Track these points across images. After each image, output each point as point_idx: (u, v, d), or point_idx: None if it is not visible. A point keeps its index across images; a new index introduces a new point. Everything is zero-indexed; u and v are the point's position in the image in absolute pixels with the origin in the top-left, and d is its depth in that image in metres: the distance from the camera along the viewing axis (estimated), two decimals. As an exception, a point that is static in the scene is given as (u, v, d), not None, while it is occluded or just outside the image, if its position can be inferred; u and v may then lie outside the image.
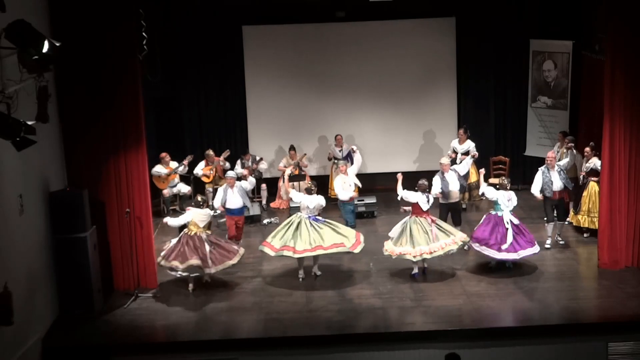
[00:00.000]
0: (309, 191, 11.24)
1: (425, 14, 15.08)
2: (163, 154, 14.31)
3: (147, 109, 11.33)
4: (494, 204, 11.17)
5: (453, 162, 14.03)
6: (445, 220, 11.62)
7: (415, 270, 10.98)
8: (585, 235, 12.44)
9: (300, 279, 11.08)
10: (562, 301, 10.12)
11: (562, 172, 12.02)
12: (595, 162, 12.07)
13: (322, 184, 13.11)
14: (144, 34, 11.30)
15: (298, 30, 15.15)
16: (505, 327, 9.55)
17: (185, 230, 10.89)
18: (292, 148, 14.82)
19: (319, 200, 11.19)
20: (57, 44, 7.11)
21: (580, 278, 11.06)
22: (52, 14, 10.01)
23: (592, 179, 12.20)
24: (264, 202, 14.89)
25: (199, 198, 11.16)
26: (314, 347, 9.40)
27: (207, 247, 10.67)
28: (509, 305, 10.11)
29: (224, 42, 15.01)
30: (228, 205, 12.03)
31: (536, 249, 11.01)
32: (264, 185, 14.81)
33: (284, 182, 14.08)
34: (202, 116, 15.38)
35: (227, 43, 15.03)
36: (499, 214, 11.00)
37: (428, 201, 10.91)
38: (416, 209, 10.93)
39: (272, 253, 10.94)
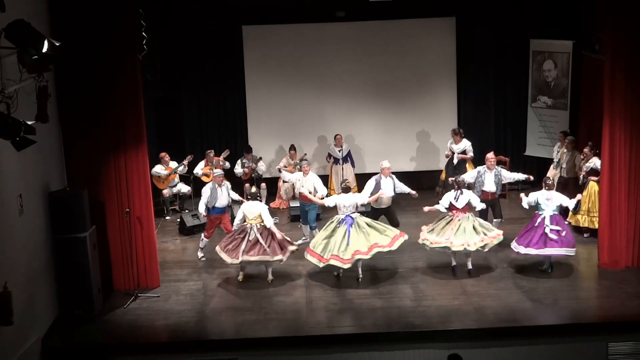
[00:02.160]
0: (345, 190, 11.24)
1: (425, 14, 15.09)
2: (162, 154, 14.33)
3: (147, 108, 11.32)
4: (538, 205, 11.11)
5: (450, 160, 14.10)
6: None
7: (453, 263, 11.19)
8: (585, 235, 12.43)
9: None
10: (562, 301, 10.12)
11: (499, 175, 12.06)
12: (595, 162, 12.07)
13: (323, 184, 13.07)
14: (143, 33, 11.31)
15: (298, 30, 15.14)
16: (505, 327, 9.54)
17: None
18: (292, 148, 14.82)
19: (355, 199, 11.21)
20: (57, 44, 7.10)
21: (580, 278, 11.06)
22: (52, 14, 10.00)
23: (592, 178, 12.19)
24: (263, 202, 14.85)
25: (252, 190, 11.39)
26: (314, 347, 9.39)
27: (246, 240, 10.86)
28: (509, 305, 10.10)
29: (224, 42, 15.01)
30: (217, 204, 12.04)
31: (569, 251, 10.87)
32: (263, 185, 14.80)
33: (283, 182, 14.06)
34: (202, 116, 15.39)
35: (227, 43, 15.03)
36: (541, 213, 10.95)
37: (457, 199, 11.03)
38: (452, 208, 11.13)
39: (320, 264, 10.84)
